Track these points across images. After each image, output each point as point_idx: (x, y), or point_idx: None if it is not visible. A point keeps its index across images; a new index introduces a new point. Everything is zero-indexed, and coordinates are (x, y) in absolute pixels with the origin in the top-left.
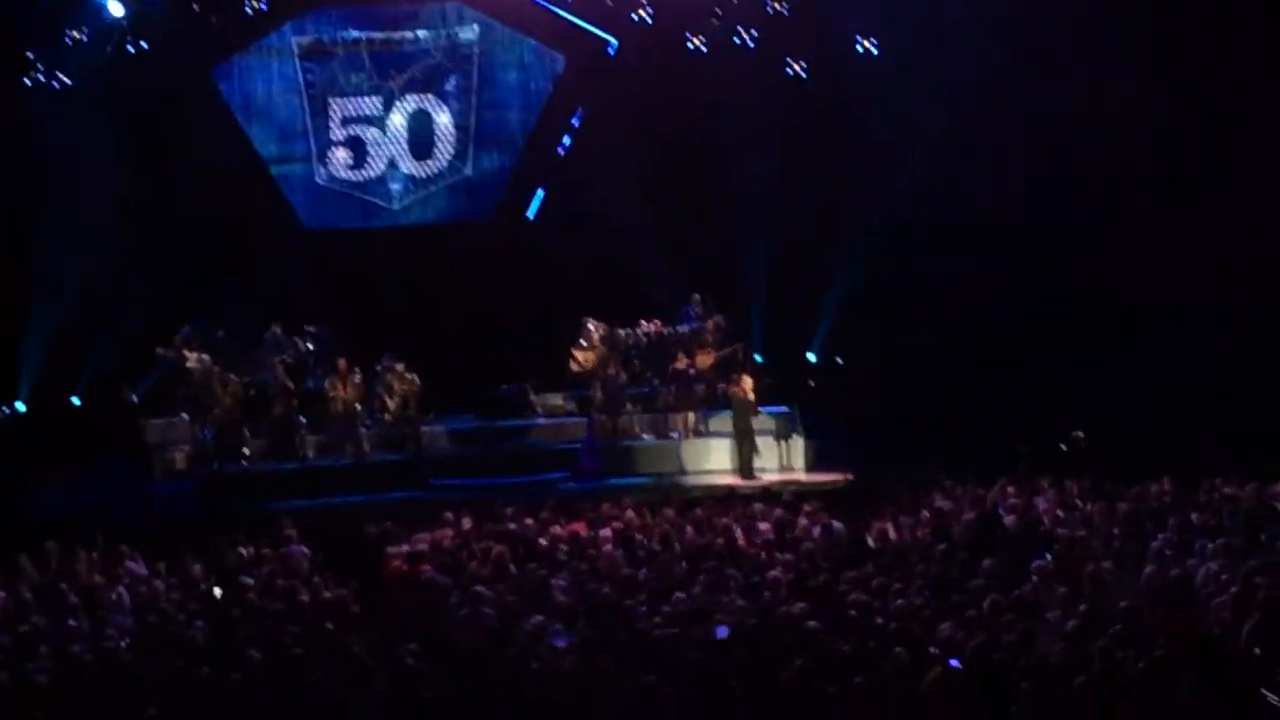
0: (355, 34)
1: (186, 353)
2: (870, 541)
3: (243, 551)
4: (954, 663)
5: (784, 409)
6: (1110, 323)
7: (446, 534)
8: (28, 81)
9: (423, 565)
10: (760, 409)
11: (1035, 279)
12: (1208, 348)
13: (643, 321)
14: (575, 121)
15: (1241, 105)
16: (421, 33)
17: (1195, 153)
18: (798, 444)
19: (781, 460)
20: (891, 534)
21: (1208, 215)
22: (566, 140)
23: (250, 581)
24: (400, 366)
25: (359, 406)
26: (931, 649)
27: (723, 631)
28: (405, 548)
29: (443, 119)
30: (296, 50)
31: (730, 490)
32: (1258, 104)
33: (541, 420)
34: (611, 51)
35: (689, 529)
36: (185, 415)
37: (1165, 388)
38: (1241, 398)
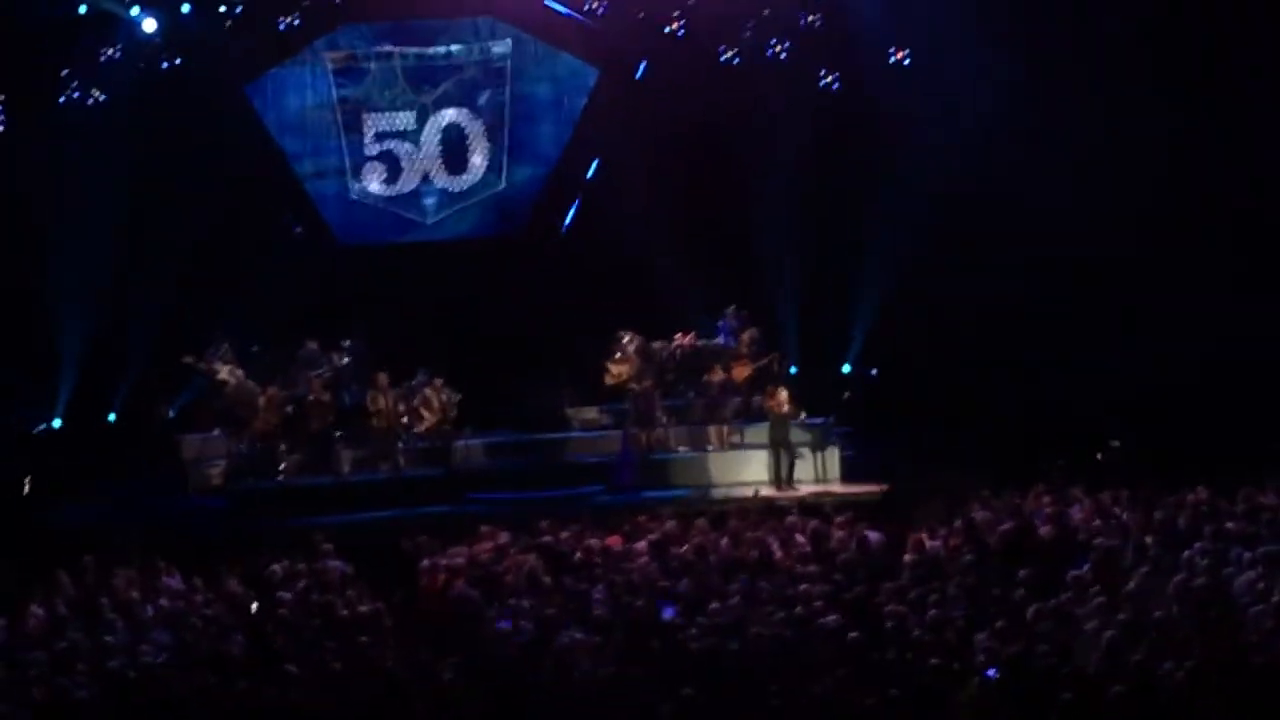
0: (388, 48)
1: (218, 366)
2: (907, 552)
3: (277, 567)
4: (991, 673)
5: (819, 420)
6: (1149, 332)
7: (483, 548)
8: (62, 99)
9: (459, 579)
10: (795, 420)
11: (1072, 288)
12: (1246, 357)
13: (677, 335)
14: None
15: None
16: (454, 47)
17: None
18: (833, 455)
19: (817, 472)
20: (928, 544)
21: (1239, 221)
22: (595, 163)
23: (287, 596)
24: (439, 381)
25: (404, 420)
26: (969, 660)
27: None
28: (441, 562)
29: (476, 133)
30: (330, 65)
31: (767, 502)
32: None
33: (577, 434)
34: (643, 66)
35: (724, 541)
36: (221, 430)
37: (1201, 396)
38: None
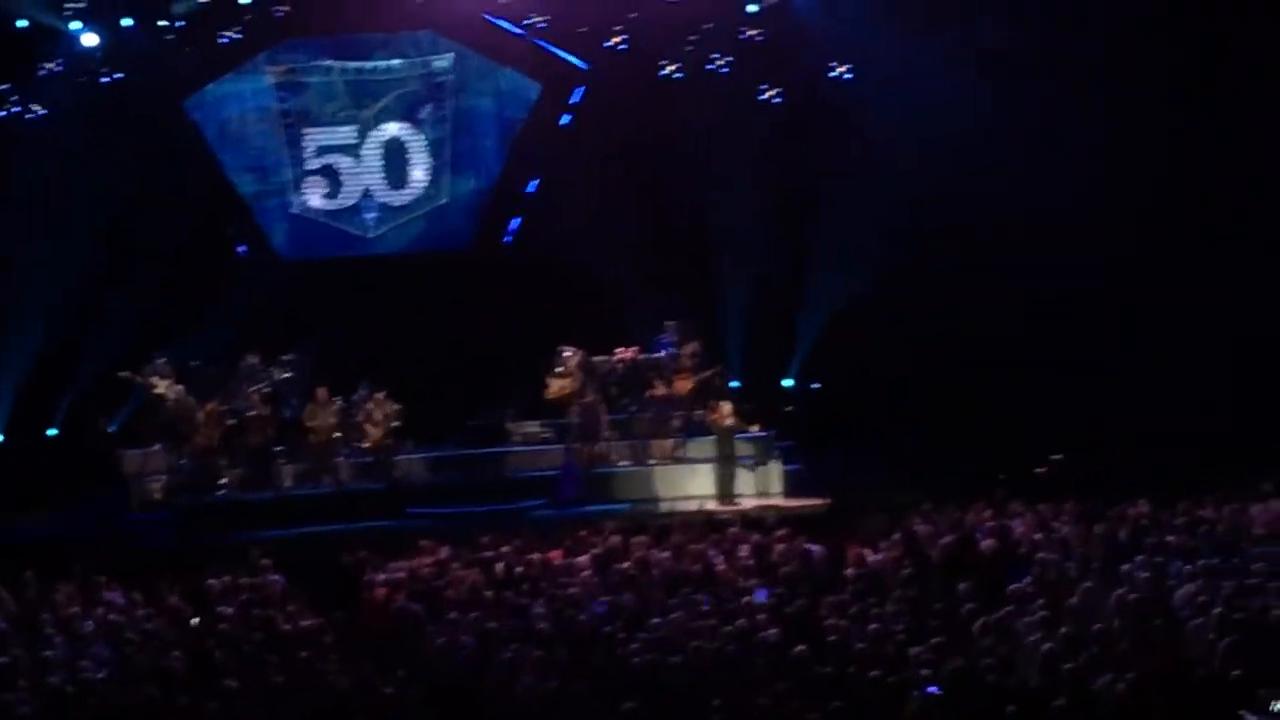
0: (329, 63)
1: (156, 380)
2: (848, 566)
3: (216, 581)
4: (933, 689)
5: (762, 434)
6: (1087, 344)
7: (424, 562)
8: (2, 113)
9: (400, 594)
10: (738, 434)
11: (1010, 303)
12: (1184, 371)
13: (619, 349)
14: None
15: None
16: (396, 61)
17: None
18: (775, 469)
19: (759, 486)
20: (869, 558)
21: (1199, 242)
22: (537, 177)
23: (227, 611)
24: (381, 395)
25: (337, 435)
26: (910, 673)
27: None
28: (382, 576)
29: (417, 148)
30: (271, 80)
31: (709, 515)
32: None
33: (519, 448)
34: (584, 75)
35: (667, 555)
36: (162, 445)
37: (1142, 410)
38: (1218, 418)
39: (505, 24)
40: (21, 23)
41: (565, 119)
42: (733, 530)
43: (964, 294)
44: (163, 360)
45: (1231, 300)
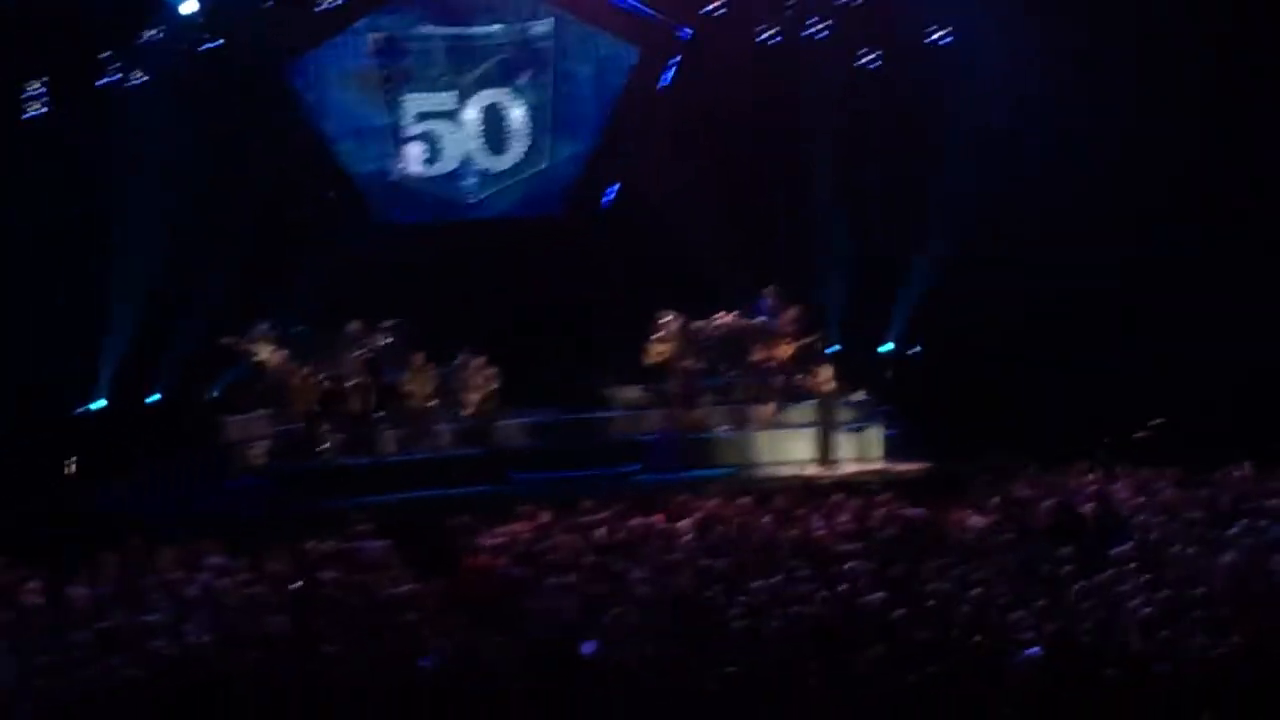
0: (429, 29)
1: (258, 347)
2: (950, 530)
3: (315, 546)
4: (1033, 651)
5: (862, 399)
6: (1189, 309)
7: (524, 527)
8: (103, 80)
9: (500, 559)
10: (838, 399)
11: (1113, 267)
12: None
13: (719, 314)
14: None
15: None
16: (495, 27)
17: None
18: (876, 434)
19: (860, 450)
20: (971, 522)
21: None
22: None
23: (328, 576)
24: (480, 361)
25: (435, 401)
26: (1011, 637)
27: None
28: (484, 542)
29: (517, 113)
30: (370, 46)
31: (809, 481)
32: None
33: (619, 413)
34: (685, 39)
35: (767, 519)
36: (263, 412)
37: (1245, 373)
38: None
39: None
40: None
41: (664, 83)
42: (834, 496)
43: (1065, 259)
44: (265, 326)
45: None
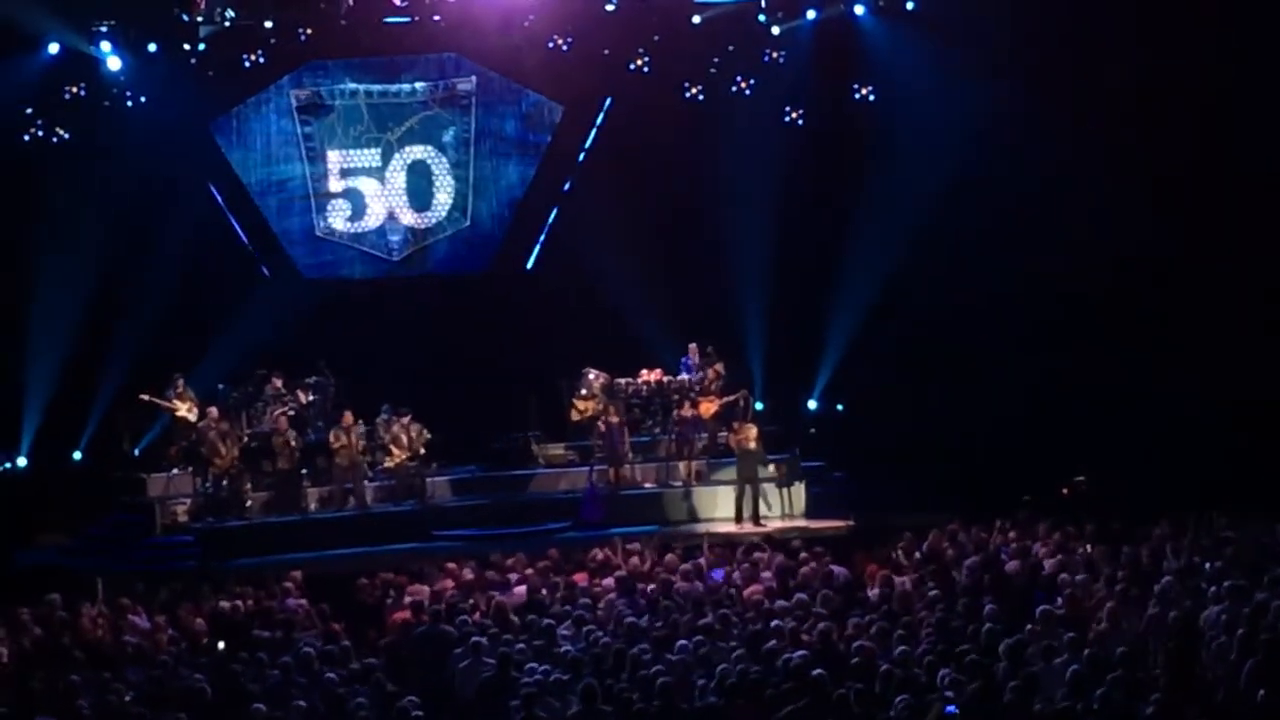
0: (353, 86)
1: (177, 403)
2: (872, 588)
3: (240, 604)
4: (951, 709)
5: (786, 456)
6: (1112, 367)
7: (448, 585)
8: (26, 137)
9: (424, 616)
10: (762, 456)
11: (1033, 325)
12: (1209, 392)
13: (643, 371)
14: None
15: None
16: (419, 84)
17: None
18: (800, 491)
19: (784, 508)
20: (894, 580)
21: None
22: (559, 200)
23: (252, 634)
24: (406, 418)
25: (362, 458)
26: (933, 695)
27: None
28: (407, 599)
29: (441, 170)
30: (294, 102)
31: (733, 537)
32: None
33: (543, 470)
34: (608, 104)
35: (692, 576)
36: (186, 468)
37: (1167, 431)
38: (1242, 439)
39: None
40: (53, 47)
41: (588, 141)
42: (757, 553)
43: (983, 316)
44: (181, 381)
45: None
